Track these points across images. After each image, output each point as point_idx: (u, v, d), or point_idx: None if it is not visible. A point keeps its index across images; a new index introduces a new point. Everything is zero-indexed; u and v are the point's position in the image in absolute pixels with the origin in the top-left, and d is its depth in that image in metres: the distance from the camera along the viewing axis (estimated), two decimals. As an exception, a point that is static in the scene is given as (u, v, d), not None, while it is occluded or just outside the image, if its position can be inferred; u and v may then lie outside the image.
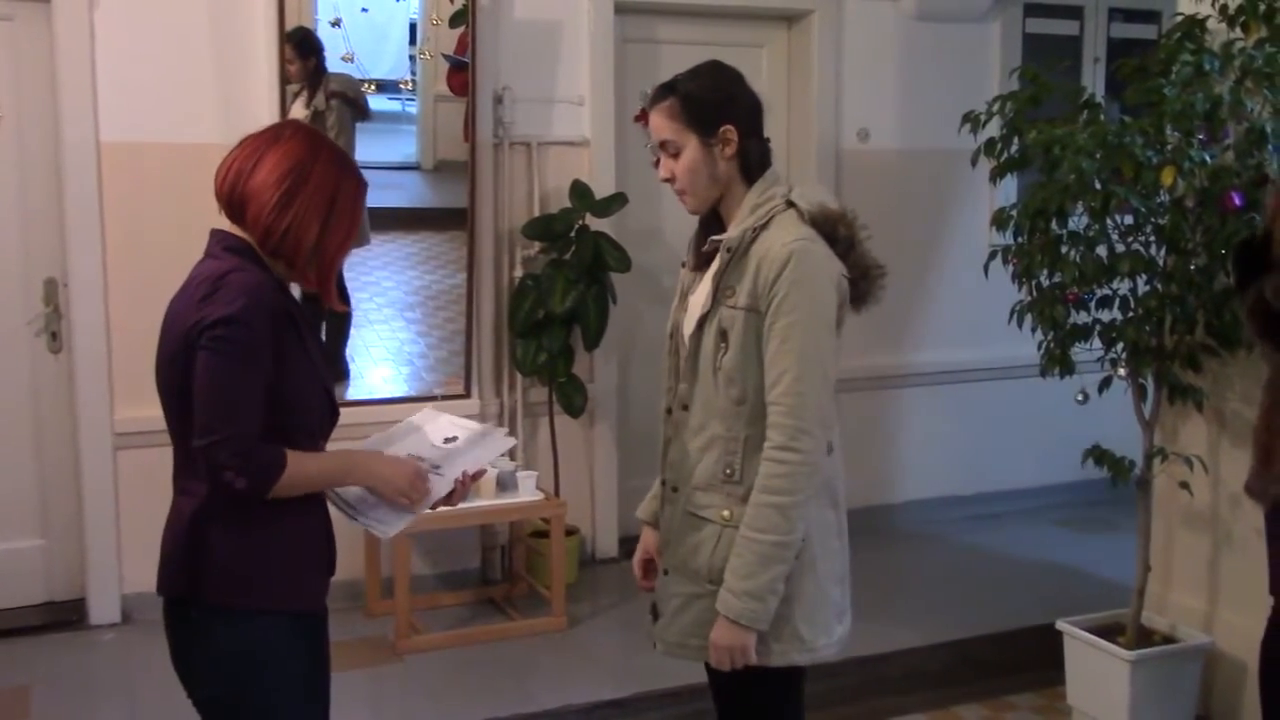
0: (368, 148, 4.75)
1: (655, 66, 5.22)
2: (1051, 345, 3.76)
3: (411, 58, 4.83)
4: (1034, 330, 3.77)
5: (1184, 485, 3.76)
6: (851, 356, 5.49)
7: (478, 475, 2.35)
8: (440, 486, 2.27)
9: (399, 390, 4.79)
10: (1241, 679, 3.65)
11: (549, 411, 4.89)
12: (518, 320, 4.72)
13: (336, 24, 4.53)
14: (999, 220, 3.70)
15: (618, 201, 4.77)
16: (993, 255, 3.77)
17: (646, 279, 5.18)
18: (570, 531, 4.81)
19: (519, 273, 4.81)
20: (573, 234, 4.70)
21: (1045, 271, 3.66)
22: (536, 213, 4.81)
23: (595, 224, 4.75)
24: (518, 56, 4.80)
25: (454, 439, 2.35)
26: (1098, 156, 3.35)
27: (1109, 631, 3.87)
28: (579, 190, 4.73)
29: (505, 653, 4.29)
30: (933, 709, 4.09)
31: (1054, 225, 3.58)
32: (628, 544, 5.23)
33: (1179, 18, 3.66)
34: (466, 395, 4.81)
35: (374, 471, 2.23)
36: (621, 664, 4.25)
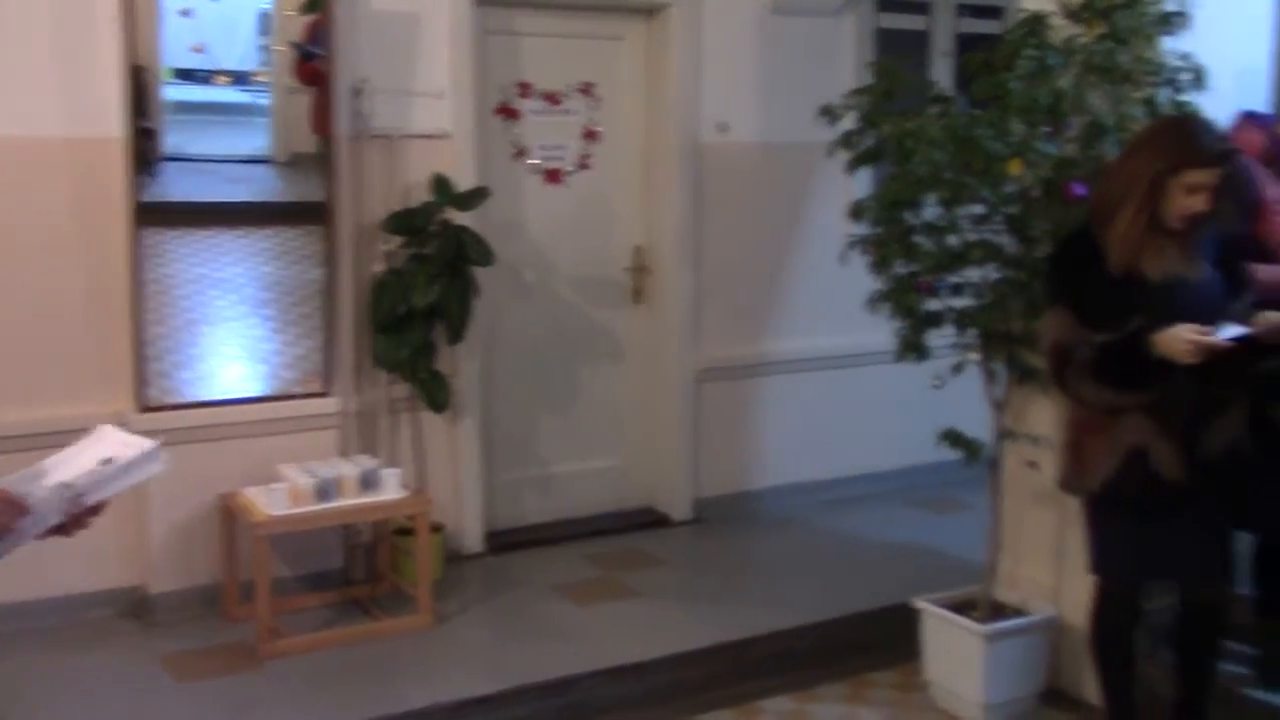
0: (217, 140, 4.62)
1: (516, 59, 5.21)
2: (907, 332, 3.86)
3: (264, 48, 4.72)
4: (890, 318, 3.87)
5: (1032, 464, 3.91)
6: (713, 346, 5.59)
7: (97, 509, 2.06)
8: (48, 517, 1.99)
9: (254, 390, 4.67)
10: (1085, 648, 3.81)
11: (412, 407, 4.83)
12: (379, 315, 4.65)
13: (186, 14, 4.40)
14: (856, 211, 3.79)
15: (479, 195, 4.74)
16: (850, 245, 3.85)
17: (509, 272, 5.16)
18: (435, 528, 4.76)
19: (380, 267, 4.74)
20: (434, 228, 4.65)
21: (900, 261, 3.76)
22: (397, 207, 4.74)
23: (457, 218, 4.71)
24: (376, 48, 4.72)
25: (109, 460, 2.08)
26: (949, 149, 3.46)
27: (964, 607, 4.00)
28: (440, 184, 4.69)
29: (372, 653, 4.23)
30: (797, 690, 4.16)
31: (908, 216, 3.69)
32: (494, 539, 5.22)
33: (1023, 14, 3.79)
34: (325, 393, 4.73)
35: None
36: (490, 659, 4.23)
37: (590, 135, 5.39)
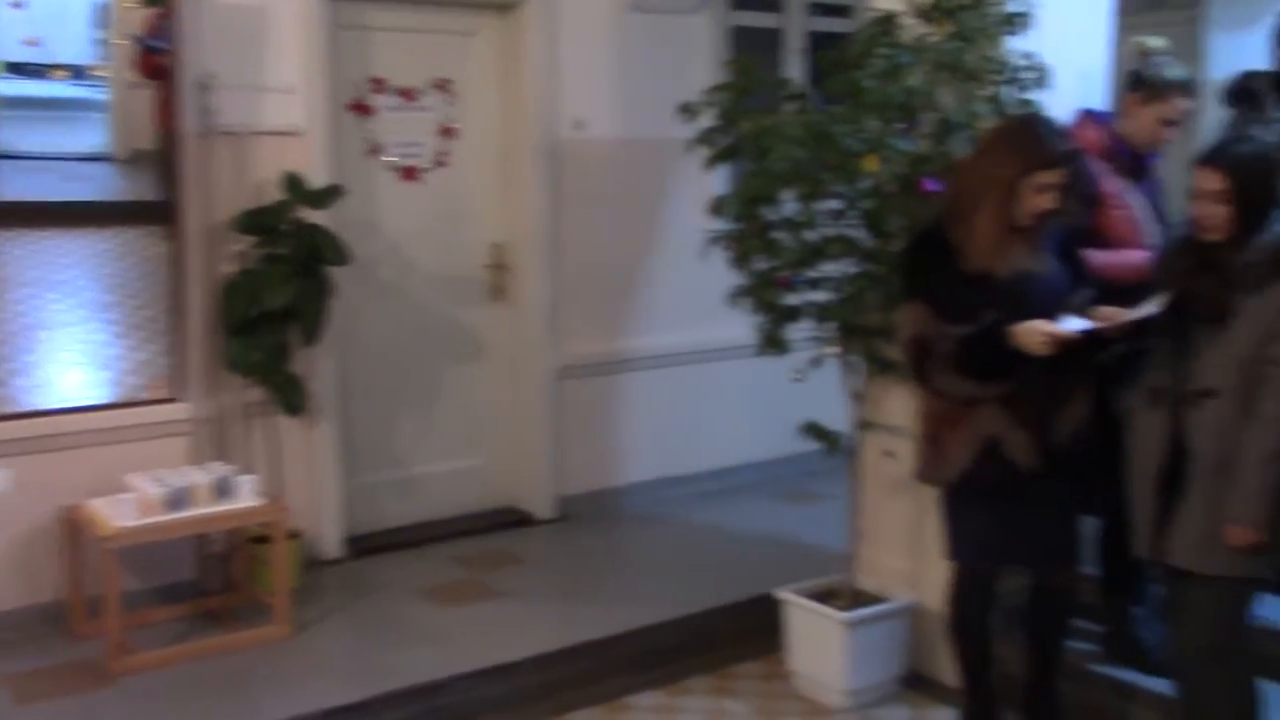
0: (54, 137, 4.41)
1: (368, 54, 5.11)
2: (767, 327, 3.91)
3: (102, 41, 4.52)
4: (751, 313, 3.91)
5: (889, 454, 4.00)
6: (574, 343, 5.58)
7: None
8: None
9: (98, 397, 4.48)
10: (943, 632, 3.91)
11: (267, 412, 4.70)
12: (230, 318, 4.50)
13: (18, 5, 4.19)
14: (716, 207, 3.82)
15: (333, 193, 4.63)
16: (711, 241, 3.88)
17: (366, 272, 5.06)
18: (293, 535, 4.64)
19: (230, 268, 4.59)
20: (287, 227, 4.53)
21: (760, 256, 3.81)
22: (247, 205, 4.60)
23: (310, 216, 4.59)
24: (222, 42, 4.56)
25: None
26: (807, 145, 3.51)
27: (826, 596, 4.09)
28: (292, 182, 4.56)
29: (228, 666, 4.10)
30: (665, 685, 4.19)
31: (766, 211, 3.73)
32: (354, 543, 5.11)
33: (874, 13, 3.87)
34: (175, 399, 4.57)
35: None
36: (353, 666, 4.14)
37: (447, 132, 5.32)
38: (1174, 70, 3.67)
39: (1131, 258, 3.51)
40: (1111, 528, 3.67)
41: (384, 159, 5.18)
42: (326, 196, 4.61)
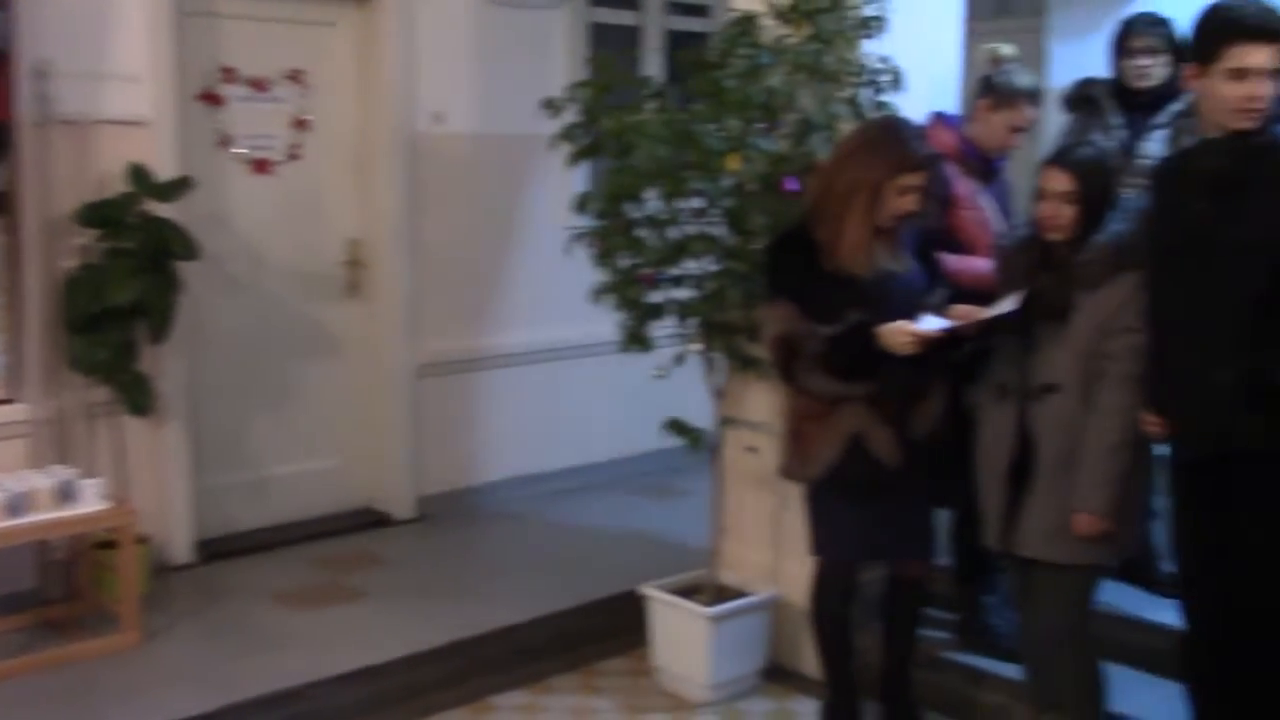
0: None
1: (218, 42, 4.96)
2: (630, 324, 3.92)
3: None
4: (614, 310, 3.91)
5: (751, 449, 4.05)
6: (433, 340, 5.51)
7: None
8: None
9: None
10: (804, 623, 3.96)
11: (112, 412, 4.52)
12: (72, 314, 4.31)
13: None
14: (580, 204, 3.81)
15: (182, 185, 4.47)
16: (574, 238, 3.87)
17: (216, 267, 4.90)
18: (140, 540, 4.47)
19: (72, 263, 4.40)
20: (133, 220, 4.36)
21: (623, 253, 3.81)
22: (90, 197, 4.41)
23: (158, 209, 4.42)
24: (62, 27, 4.37)
25: None
26: (670, 144, 3.53)
27: (689, 592, 4.11)
28: (137, 173, 4.39)
29: (73, 678, 3.93)
30: (529, 684, 4.17)
31: (630, 209, 3.74)
32: (205, 548, 4.96)
33: (735, 13, 3.91)
34: (12, 399, 4.36)
35: None
36: (204, 675, 3.99)
37: (300, 124, 5.19)
38: (1023, 79, 3.80)
39: (977, 265, 3.62)
40: (963, 519, 3.79)
41: (235, 151, 5.03)
42: (174, 189, 4.45)
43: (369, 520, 5.46)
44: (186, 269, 4.52)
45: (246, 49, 5.02)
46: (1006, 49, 3.91)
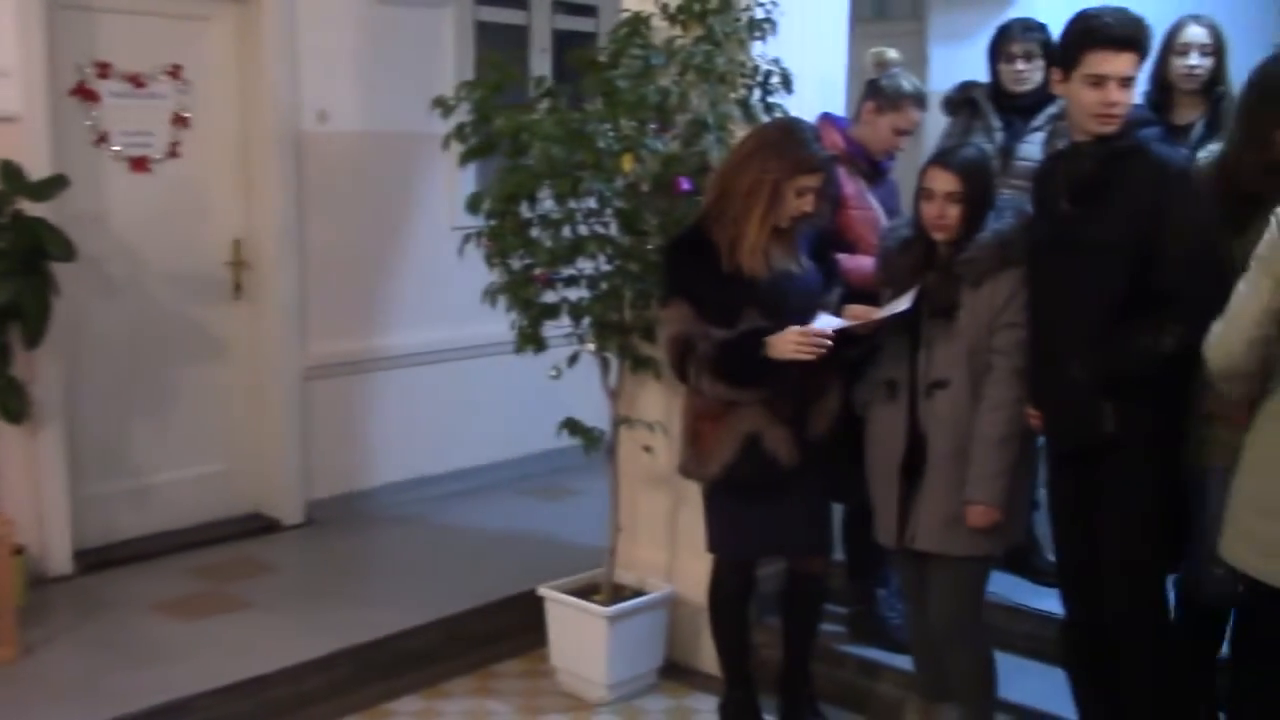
0: None
1: (93, 37, 4.81)
2: (524, 324, 3.90)
3: None
4: (508, 310, 3.89)
5: (647, 449, 4.07)
6: (321, 342, 5.41)
7: None
8: None
9: None
10: (700, 620, 4.01)
11: (-17, 419, 4.35)
12: (-60, 318, 4.15)
13: None
14: (473, 204, 3.78)
15: (56, 184, 4.33)
16: (467, 238, 3.84)
17: (94, 268, 4.76)
18: (16, 551, 4.30)
19: (-62, 264, 4.22)
20: (4, 220, 4.20)
21: (518, 253, 3.79)
22: (-43, 196, 4.24)
23: (31, 209, 4.26)
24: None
25: None
26: (564, 143, 3.52)
27: (586, 592, 4.11)
28: (9, 171, 4.23)
29: (-55, 697, 3.78)
30: (423, 688, 4.13)
31: (524, 209, 3.72)
32: (85, 558, 4.80)
33: (625, 13, 3.92)
34: (-124, 407, 4.18)
35: None
36: (85, 689, 3.86)
37: (180, 121, 5.05)
38: (908, 82, 3.88)
39: (866, 265, 3.68)
40: (854, 514, 3.85)
41: (112, 148, 4.88)
42: (48, 187, 4.30)
43: (257, 526, 5.34)
44: (63, 270, 4.37)
45: (122, 43, 4.87)
46: (891, 53, 3.98)
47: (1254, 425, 2.66)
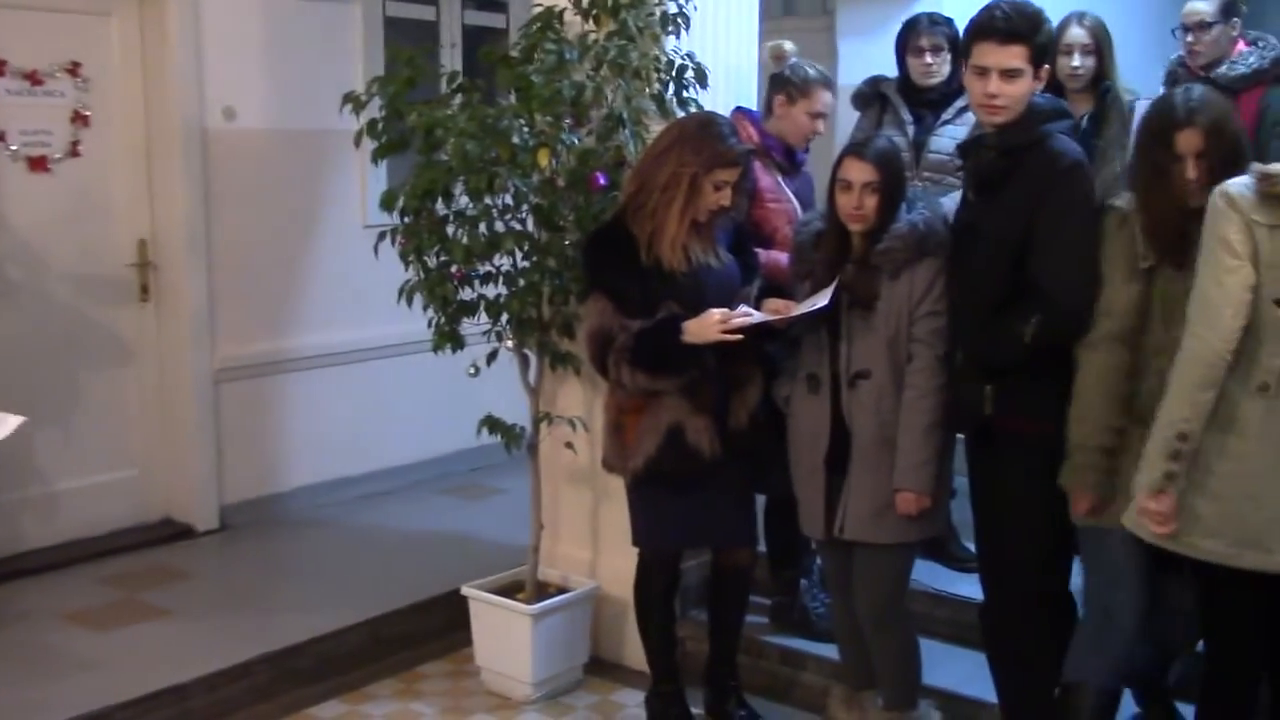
0: None
1: (-16, 32, 4.65)
2: (441, 322, 3.87)
3: None
4: (425, 308, 3.85)
5: (569, 445, 4.05)
6: (232, 344, 5.31)
7: None
8: None
9: None
10: (625, 615, 4.02)
11: (-122, 430, 4.19)
12: None
13: None
14: (387, 201, 3.73)
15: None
16: (382, 236, 3.79)
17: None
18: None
19: None
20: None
21: (433, 250, 3.75)
22: None
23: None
24: None
25: None
26: (480, 139, 3.49)
27: (510, 590, 4.09)
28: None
29: None
30: (346, 692, 4.08)
31: (439, 205, 3.68)
32: (-11, 570, 4.67)
33: (537, 8, 3.90)
34: None
35: None
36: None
37: (80, 119, 4.91)
38: (812, 68, 3.94)
39: (781, 259, 3.71)
40: (776, 506, 3.88)
41: (9, 148, 4.73)
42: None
43: (169, 533, 5.23)
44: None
45: (17, 39, 4.72)
46: (788, 44, 4.04)
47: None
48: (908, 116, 4.19)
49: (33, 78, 4.77)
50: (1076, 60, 4.06)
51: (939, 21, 4.20)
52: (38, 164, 4.81)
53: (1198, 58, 4.12)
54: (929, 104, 4.18)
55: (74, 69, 4.89)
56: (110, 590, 4.64)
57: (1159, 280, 2.86)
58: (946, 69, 4.15)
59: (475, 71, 4.32)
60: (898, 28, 4.28)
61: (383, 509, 5.64)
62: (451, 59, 5.99)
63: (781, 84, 3.92)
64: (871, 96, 4.34)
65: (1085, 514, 2.97)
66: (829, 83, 3.95)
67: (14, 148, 4.75)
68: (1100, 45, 4.09)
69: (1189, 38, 4.14)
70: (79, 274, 4.97)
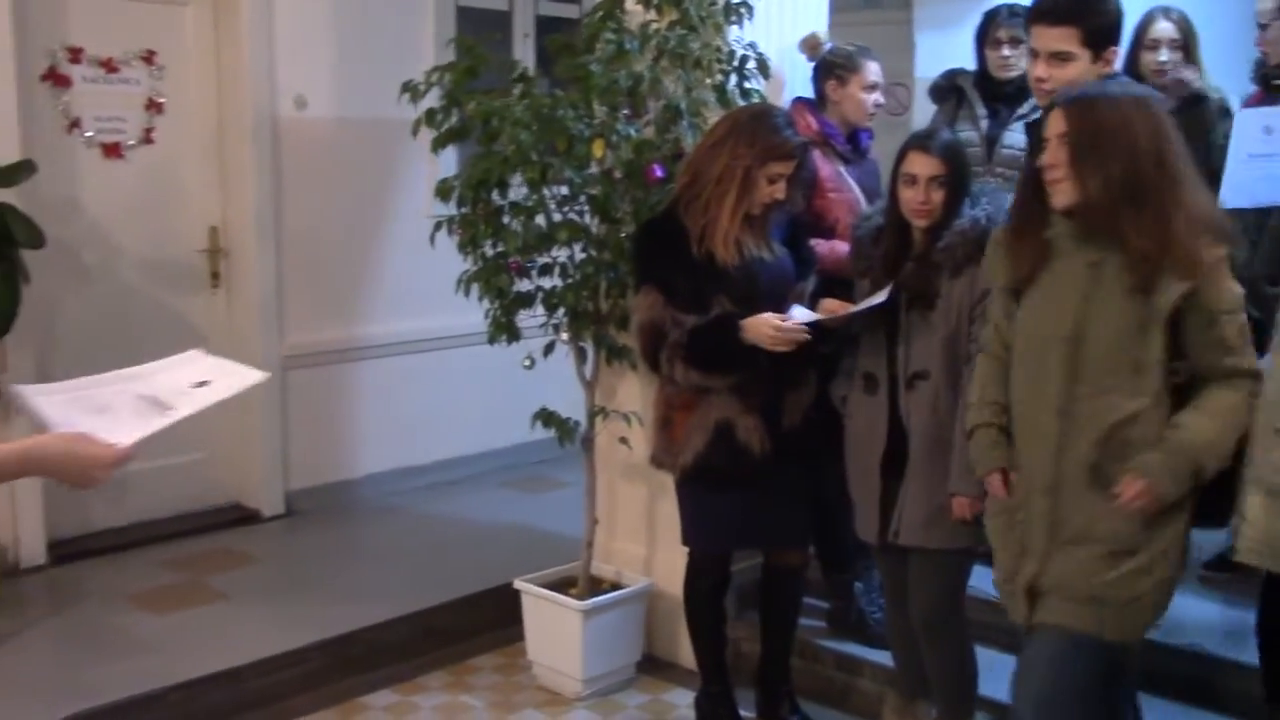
0: None
1: (64, 21, 4.74)
2: (498, 313, 3.84)
3: None
4: (481, 299, 3.83)
5: (623, 440, 4.01)
6: (300, 331, 5.35)
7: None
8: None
9: None
10: (679, 613, 3.95)
11: (-48, 409, 4.30)
12: (-94, 306, 4.09)
13: None
14: (443, 191, 3.71)
15: (23, 170, 4.26)
16: (438, 226, 3.77)
17: (66, 256, 4.70)
18: (-14, 542, 4.27)
19: (-96, 252, 4.16)
20: (-30, 207, 4.14)
21: (490, 241, 3.73)
22: (-77, 182, 4.18)
23: (-1, 195, 4.21)
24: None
25: (205, 383, 2.11)
26: (534, 129, 3.46)
27: (563, 585, 4.06)
28: (-25, 157, 4.18)
29: (-90, 689, 3.73)
30: (398, 683, 4.08)
31: (496, 195, 3.65)
32: (58, 549, 4.75)
33: (601, -2, 3.85)
34: None
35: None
36: (55, 682, 3.82)
37: (154, 107, 4.98)
38: (850, 45, 3.89)
39: (841, 250, 3.62)
40: (832, 508, 3.78)
41: (84, 134, 4.81)
42: (15, 173, 4.24)
43: (235, 517, 5.29)
44: (34, 258, 4.32)
45: (95, 28, 4.80)
46: (820, 33, 3.98)
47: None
48: (982, 110, 4.08)
49: (108, 65, 4.85)
50: (1164, 55, 3.93)
51: (1018, 13, 4.06)
52: (112, 151, 4.89)
53: (1269, 56, 3.95)
54: (1005, 98, 4.06)
55: (149, 57, 4.95)
56: (174, 573, 4.70)
57: None
58: (1025, 62, 4.01)
59: (547, 63, 4.27)
60: (977, 20, 4.17)
61: (446, 499, 5.65)
62: (524, 50, 5.97)
63: (829, 68, 3.87)
64: (948, 90, 4.24)
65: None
66: (872, 53, 3.91)
67: (89, 134, 4.82)
68: (1187, 40, 3.95)
69: (1258, 35, 3.98)
70: (151, 259, 5.04)
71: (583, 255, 3.76)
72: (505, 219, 3.68)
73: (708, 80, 3.70)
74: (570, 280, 3.77)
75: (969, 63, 4.20)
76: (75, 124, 4.78)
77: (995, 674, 3.53)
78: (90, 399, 2.09)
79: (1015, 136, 3.98)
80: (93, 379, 2.12)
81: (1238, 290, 2.54)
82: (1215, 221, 2.55)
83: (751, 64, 3.72)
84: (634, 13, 3.76)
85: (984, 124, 4.05)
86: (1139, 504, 2.52)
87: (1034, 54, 2.93)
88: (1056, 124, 2.56)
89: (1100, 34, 2.93)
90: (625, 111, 3.60)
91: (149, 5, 4.96)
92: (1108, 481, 2.56)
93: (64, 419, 2.01)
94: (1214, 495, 2.60)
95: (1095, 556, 2.58)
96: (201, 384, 2.14)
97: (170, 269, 5.11)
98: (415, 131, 3.76)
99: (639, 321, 3.37)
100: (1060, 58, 2.87)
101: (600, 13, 3.72)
